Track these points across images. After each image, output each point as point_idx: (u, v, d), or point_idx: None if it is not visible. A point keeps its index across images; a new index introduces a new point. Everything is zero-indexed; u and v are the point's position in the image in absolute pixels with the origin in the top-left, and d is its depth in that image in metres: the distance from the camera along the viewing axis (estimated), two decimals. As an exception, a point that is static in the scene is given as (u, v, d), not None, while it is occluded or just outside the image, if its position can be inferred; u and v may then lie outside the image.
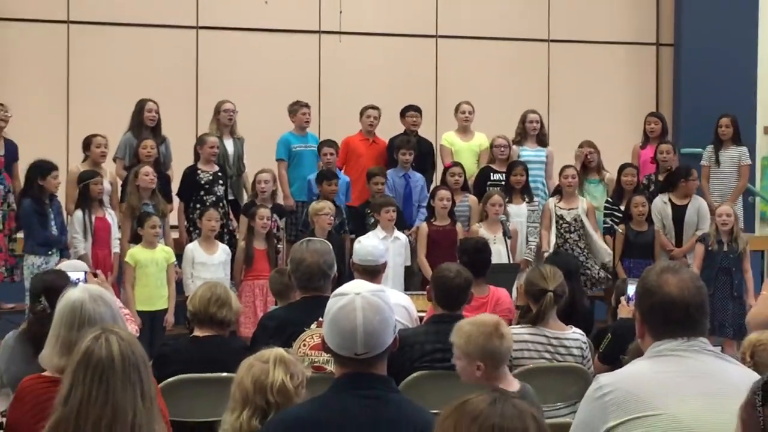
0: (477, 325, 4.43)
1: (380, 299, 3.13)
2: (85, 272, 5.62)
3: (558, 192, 10.30)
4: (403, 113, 10.86)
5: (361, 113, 10.76)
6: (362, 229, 9.61)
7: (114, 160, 10.07)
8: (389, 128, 10.91)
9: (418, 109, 10.89)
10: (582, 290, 8.11)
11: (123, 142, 10.06)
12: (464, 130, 10.91)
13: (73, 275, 5.37)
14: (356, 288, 3.16)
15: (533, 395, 4.53)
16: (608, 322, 7.13)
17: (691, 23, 12.92)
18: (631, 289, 6.15)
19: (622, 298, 6.25)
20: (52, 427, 3.05)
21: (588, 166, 10.62)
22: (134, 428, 3.03)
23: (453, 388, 4.45)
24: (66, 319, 3.84)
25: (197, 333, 5.37)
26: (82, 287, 4.02)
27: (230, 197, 10.21)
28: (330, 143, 10.39)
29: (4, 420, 4.21)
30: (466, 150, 10.78)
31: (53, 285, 4.80)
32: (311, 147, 10.53)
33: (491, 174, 10.38)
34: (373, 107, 10.73)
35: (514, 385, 4.49)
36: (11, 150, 9.53)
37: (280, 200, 10.18)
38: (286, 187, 10.45)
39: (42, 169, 9.01)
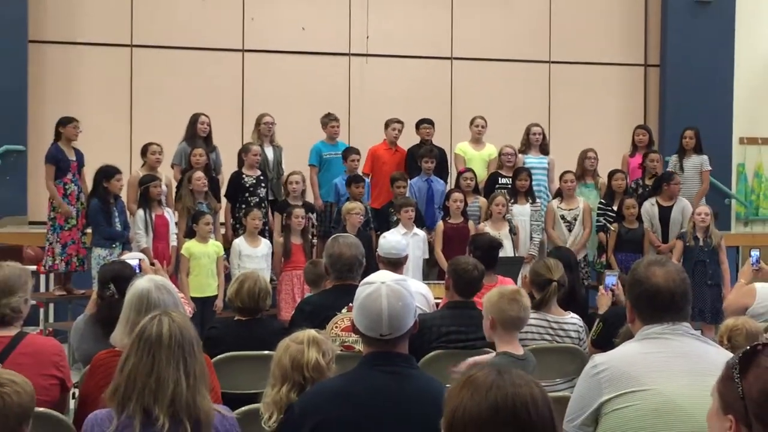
0: (499, 289, 4.66)
1: (403, 287, 3.14)
2: (139, 260, 5.64)
3: (559, 194, 10.30)
4: (418, 125, 10.86)
5: (387, 125, 10.74)
6: (386, 226, 9.62)
7: (172, 166, 10.11)
8: (408, 138, 10.91)
9: (431, 122, 10.89)
10: (580, 281, 8.10)
11: (179, 150, 10.09)
12: (477, 141, 10.90)
13: (131, 262, 5.44)
14: (382, 277, 3.16)
15: (534, 361, 4.54)
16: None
17: (675, 47, 12.88)
18: (609, 280, 6.14)
19: (601, 287, 6.23)
20: (111, 391, 3.09)
21: (588, 169, 10.62)
22: (175, 399, 3.03)
23: (465, 365, 4.46)
24: (135, 305, 3.88)
25: (240, 317, 5.39)
26: (149, 278, 4.06)
27: (270, 198, 10.22)
28: (355, 151, 10.41)
29: (77, 390, 4.25)
30: (477, 158, 10.77)
31: (121, 274, 4.84)
32: (339, 155, 10.52)
33: (499, 179, 10.38)
34: (398, 120, 10.71)
35: (520, 350, 4.53)
36: (80, 157, 9.60)
37: (308, 198, 10.14)
38: (316, 189, 10.47)
39: (108, 173, 9.08)
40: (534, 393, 2.11)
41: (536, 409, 2.09)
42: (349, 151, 10.37)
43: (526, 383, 2.12)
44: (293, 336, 3.66)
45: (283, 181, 10.05)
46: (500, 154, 10.54)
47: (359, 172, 10.37)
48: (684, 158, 10.83)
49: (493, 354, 4.61)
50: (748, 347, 2.06)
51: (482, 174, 10.60)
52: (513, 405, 2.07)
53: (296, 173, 9.89)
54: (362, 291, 3.13)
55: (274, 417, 3.49)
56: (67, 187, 9.37)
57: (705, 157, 10.83)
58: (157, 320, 3.13)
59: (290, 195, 9.76)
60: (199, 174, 9.46)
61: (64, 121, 9.50)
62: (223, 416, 3.20)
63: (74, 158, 9.48)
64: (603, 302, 6.04)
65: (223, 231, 9.96)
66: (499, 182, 10.34)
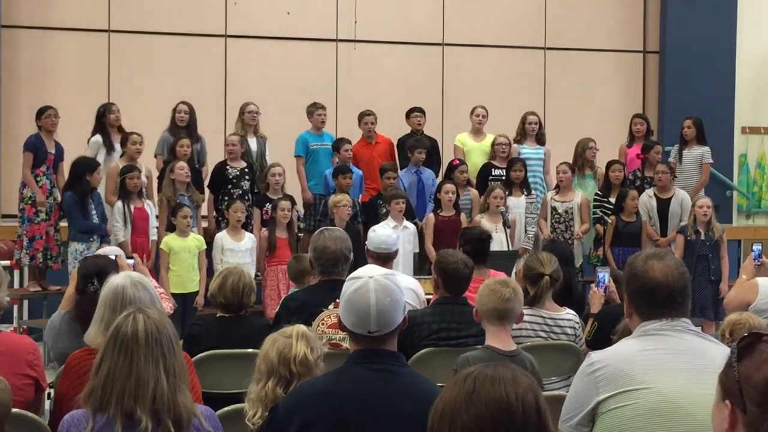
0: (488, 280, 4.75)
1: (391, 282, 3.12)
2: (116, 255, 5.62)
3: (558, 186, 10.31)
4: (408, 114, 10.87)
5: (359, 120, 10.74)
6: (374, 219, 9.60)
7: (155, 156, 10.11)
8: (400, 128, 10.91)
9: (422, 110, 10.89)
10: (576, 275, 8.10)
11: (161, 140, 10.10)
12: (477, 131, 10.89)
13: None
14: (369, 272, 3.14)
15: (528, 358, 4.53)
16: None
17: (675, 32, 12.90)
18: (602, 277, 6.14)
19: (593, 285, 6.23)
20: (86, 395, 3.07)
21: (590, 159, 10.63)
22: (155, 398, 3.02)
23: (455, 363, 4.46)
24: (109, 302, 3.86)
25: (222, 314, 5.38)
26: (125, 274, 4.04)
27: (255, 190, 10.20)
28: (347, 141, 10.40)
29: (52, 391, 4.24)
30: (477, 150, 10.76)
31: (104, 269, 4.80)
32: (327, 145, 10.50)
33: (492, 170, 10.38)
34: (369, 113, 10.68)
35: (510, 345, 4.53)
36: (59, 151, 9.59)
37: (290, 191, 10.10)
38: (304, 181, 10.46)
39: (89, 165, 9.07)
40: (517, 379, 2.09)
41: (516, 392, 2.07)
42: (341, 142, 10.36)
43: (511, 372, 2.11)
44: (282, 330, 3.67)
45: (265, 172, 10.03)
46: (494, 144, 10.54)
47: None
48: (684, 149, 10.84)
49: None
50: (751, 333, 2.07)
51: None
52: (491, 388, 2.06)
53: (278, 165, 9.87)
54: (349, 286, 3.12)
55: (259, 413, 3.49)
56: (38, 179, 9.37)
57: (707, 148, 10.82)
58: (132, 318, 3.11)
59: (270, 188, 9.75)
60: (182, 164, 9.45)
61: (40, 112, 9.53)
62: (201, 424, 3.16)
63: (53, 151, 9.48)
64: (595, 300, 6.03)
65: (205, 224, 9.95)
66: (493, 173, 10.34)
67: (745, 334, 2.09)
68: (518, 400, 2.07)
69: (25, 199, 9.34)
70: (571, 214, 10.11)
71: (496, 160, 10.46)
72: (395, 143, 10.84)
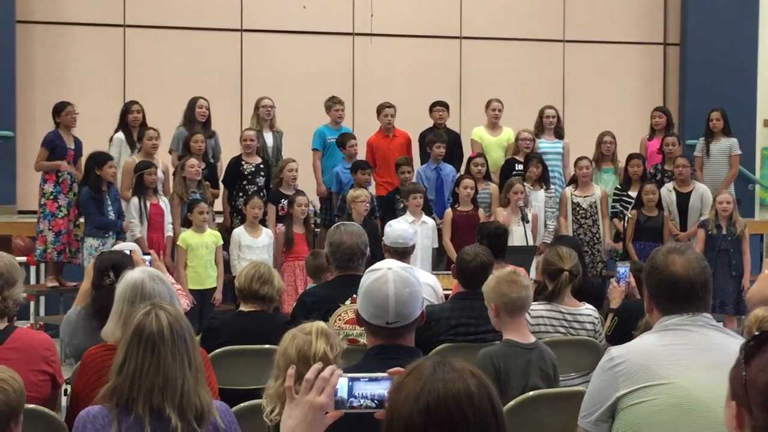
0: (495, 274, 4.69)
1: (410, 274, 3.15)
2: (130, 251, 5.63)
3: (574, 181, 10.28)
4: (431, 108, 10.85)
5: (378, 112, 10.71)
6: (391, 214, 9.60)
7: (169, 152, 10.12)
8: (417, 122, 10.90)
9: (445, 105, 10.88)
10: (587, 269, 8.08)
11: (176, 136, 10.10)
12: (493, 125, 10.86)
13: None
14: (388, 264, 3.17)
15: (548, 351, 4.55)
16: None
17: (696, 24, 12.84)
18: (622, 271, 6.12)
19: (612, 280, 6.21)
20: (107, 394, 3.07)
21: (605, 154, 10.59)
22: (183, 394, 3.04)
23: (474, 358, 4.46)
24: (128, 297, 3.87)
25: (243, 308, 5.38)
26: (141, 269, 4.05)
27: (271, 186, 10.20)
28: (353, 136, 10.39)
29: (68, 387, 4.26)
30: (494, 144, 10.74)
31: (120, 263, 4.82)
32: (344, 140, 10.52)
33: (516, 165, 10.35)
34: (389, 105, 10.65)
35: (528, 337, 4.54)
36: (78, 146, 9.63)
37: (302, 186, 10.08)
38: (319, 175, 10.47)
39: (98, 159, 9.07)
40: (469, 387, 2.05)
41: (472, 405, 2.03)
42: (347, 137, 10.34)
43: (460, 377, 2.07)
44: (300, 326, 3.66)
45: (279, 168, 10.02)
46: (518, 139, 10.50)
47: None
48: (711, 141, 10.79)
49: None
50: (762, 332, 2.06)
51: (500, 160, 10.59)
52: (446, 406, 2.02)
53: (293, 161, 9.86)
54: (368, 278, 3.14)
55: (277, 410, 3.49)
56: (59, 174, 9.40)
57: (734, 140, 10.79)
58: (154, 315, 3.12)
59: (284, 183, 9.75)
60: (193, 161, 9.44)
61: (59, 108, 9.55)
62: (216, 420, 3.16)
63: (72, 146, 9.52)
64: (615, 295, 6.01)
65: (220, 219, 9.96)
66: (516, 168, 10.30)
67: (756, 333, 2.08)
68: (474, 408, 2.03)
69: (46, 194, 9.38)
70: (596, 208, 10.10)
71: (520, 155, 10.42)
72: (414, 137, 10.81)
